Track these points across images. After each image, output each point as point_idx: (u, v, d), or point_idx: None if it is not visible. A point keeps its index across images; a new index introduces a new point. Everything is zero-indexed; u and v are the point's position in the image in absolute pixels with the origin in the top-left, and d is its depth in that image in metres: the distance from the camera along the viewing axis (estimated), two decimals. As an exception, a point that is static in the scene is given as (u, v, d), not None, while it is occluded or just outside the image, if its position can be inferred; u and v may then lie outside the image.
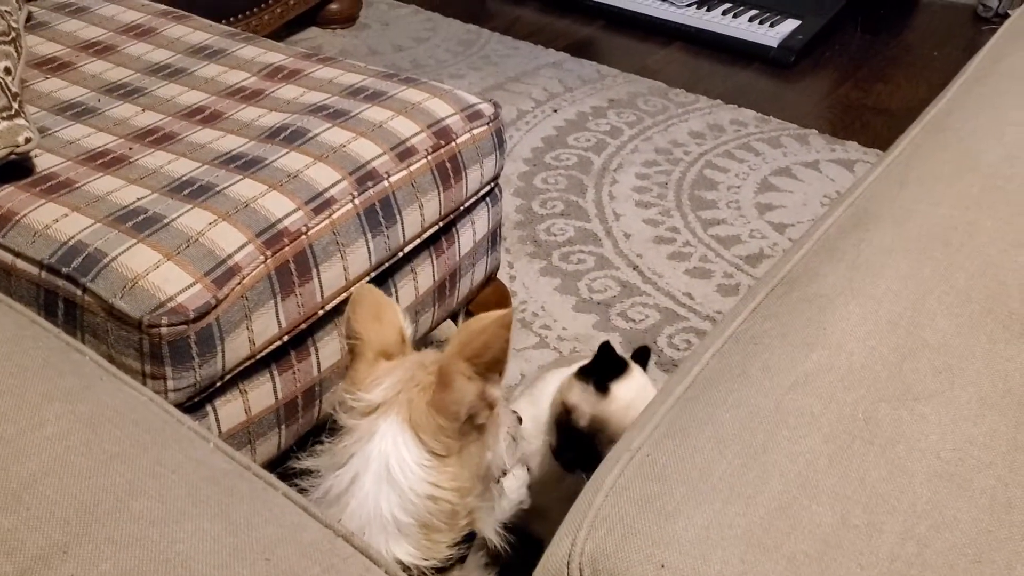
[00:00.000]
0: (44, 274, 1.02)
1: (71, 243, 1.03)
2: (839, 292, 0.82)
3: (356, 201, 1.16)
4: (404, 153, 1.23)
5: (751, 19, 2.85)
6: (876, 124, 2.47)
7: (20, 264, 1.04)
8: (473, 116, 1.33)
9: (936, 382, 0.73)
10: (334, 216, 1.13)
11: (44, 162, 1.16)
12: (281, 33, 2.71)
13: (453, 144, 1.29)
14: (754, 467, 0.66)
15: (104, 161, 1.17)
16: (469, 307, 1.49)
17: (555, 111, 2.50)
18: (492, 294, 1.53)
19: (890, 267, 0.84)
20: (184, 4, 1.72)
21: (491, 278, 1.51)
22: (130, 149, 1.19)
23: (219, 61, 1.42)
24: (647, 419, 0.74)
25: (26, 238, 1.04)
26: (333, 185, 1.15)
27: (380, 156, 1.21)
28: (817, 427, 0.69)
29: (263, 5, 2.53)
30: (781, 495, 0.64)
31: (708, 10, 2.91)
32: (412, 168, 1.23)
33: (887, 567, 0.60)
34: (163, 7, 1.61)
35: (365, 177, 1.18)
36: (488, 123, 1.34)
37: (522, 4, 3.14)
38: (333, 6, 2.86)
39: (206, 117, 1.27)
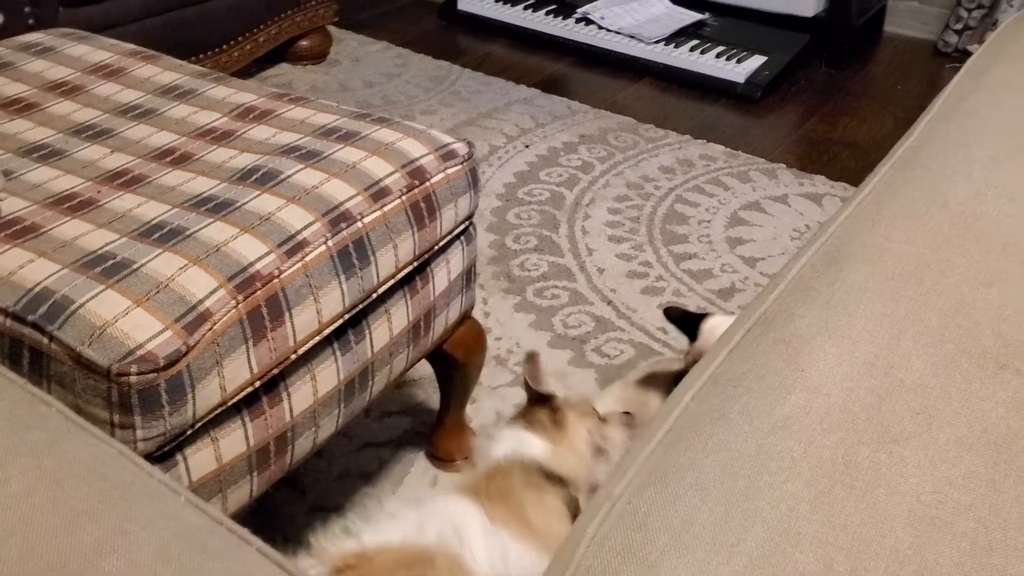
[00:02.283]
0: (9, 322, 1.00)
1: (37, 290, 1.01)
2: (815, 333, 0.82)
3: (329, 243, 1.15)
4: (378, 194, 1.22)
5: (718, 56, 2.90)
6: (843, 157, 2.51)
7: (-16, 311, 1.01)
8: (447, 156, 1.33)
9: (914, 424, 0.73)
10: (307, 258, 1.12)
11: (9, 206, 1.14)
12: (251, 69, 2.71)
13: (427, 184, 1.28)
14: (736, 514, 0.66)
15: (71, 205, 1.15)
16: (444, 346, 1.48)
17: (527, 147, 2.51)
18: (467, 333, 1.52)
19: (865, 306, 0.84)
20: (153, 42, 1.71)
21: (466, 317, 1.50)
22: (98, 192, 1.18)
23: (189, 101, 1.41)
24: (627, 465, 0.73)
25: (-10, 285, 1.02)
26: (306, 227, 1.14)
27: (354, 197, 1.20)
28: (798, 471, 0.69)
29: (233, 42, 2.52)
30: (764, 543, 0.64)
31: (676, 47, 2.96)
32: (386, 208, 1.22)
33: (872, 615, 0.59)
34: (132, 47, 1.60)
35: (338, 218, 1.17)
36: (462, 162, 1.34)
37: (493, 40, 3.17)
38: (303, 42, 2.86)
39: (176, 159, 1.26)
